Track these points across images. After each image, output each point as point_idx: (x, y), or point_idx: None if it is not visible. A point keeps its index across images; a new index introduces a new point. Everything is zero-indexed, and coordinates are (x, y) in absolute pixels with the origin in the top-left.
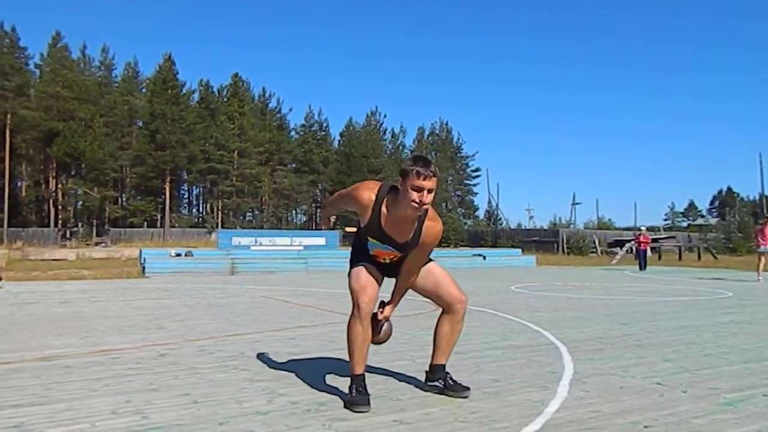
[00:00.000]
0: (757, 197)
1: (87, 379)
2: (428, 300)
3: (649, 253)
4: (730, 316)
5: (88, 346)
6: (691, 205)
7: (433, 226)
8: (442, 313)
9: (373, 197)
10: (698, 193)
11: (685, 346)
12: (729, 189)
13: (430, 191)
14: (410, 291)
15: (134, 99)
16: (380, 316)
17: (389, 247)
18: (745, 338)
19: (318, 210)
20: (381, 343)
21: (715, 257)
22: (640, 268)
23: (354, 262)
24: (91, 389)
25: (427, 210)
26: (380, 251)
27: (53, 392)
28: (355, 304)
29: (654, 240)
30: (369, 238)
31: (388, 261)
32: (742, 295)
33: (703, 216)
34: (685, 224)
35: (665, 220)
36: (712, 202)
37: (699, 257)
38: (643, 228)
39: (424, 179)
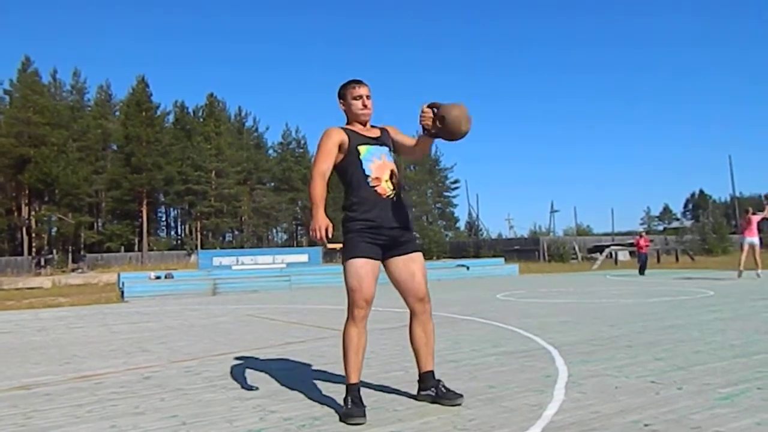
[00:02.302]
0: (729, 198)
1: (69, 405)
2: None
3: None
4: (714, 314)
5: (69, 373)
6: (666, 209)
7: (385, 125)
8: (410, 318)
9: (338, 129)
10: (672, 196)
11: (675, 345)
12: (701, 192)
13: (368, 97)
14: (400, 302)
15: (108, 122)
16: (425, 108)
17: (379, 149)
18: (732, 334)
19: (299, 228)
20: (462, 129)
21: (693, 258)
22: (641, 272)
23: (350, 247)
24: (74, 416)
25: (371, 114)
26: (376, 164)
27: (34, 420)
28: (352, 304)
29: (632, 244)
30: (360, 151)
31: (391, 189)
32: (722, 293)
33: (678, 219)
34: (661, 228)
35: (642, 224)
36: (686, 205)
37: (677, 259)
38: (641, 231)
39: (359, 86)
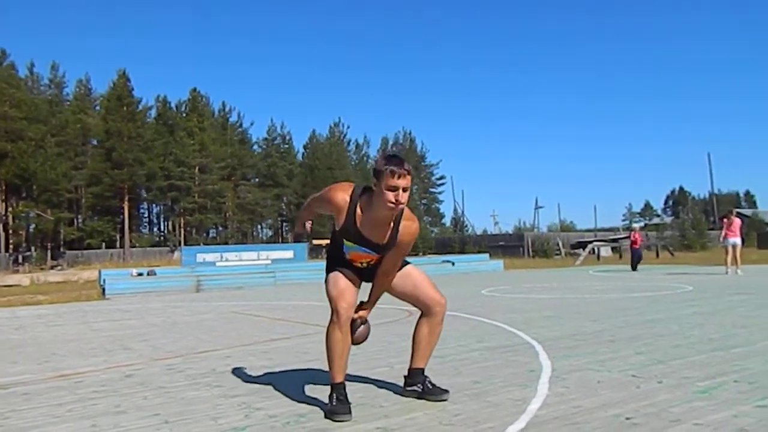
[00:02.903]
0: (707, 195)
1: (48, 405)
2: (403, 307)
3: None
4: (693, 309)
5: (48, 372)
6: (647, 206)
7: (409, 225)
8: (421, 316)
9: (347, 198)
10: (653, 193)
11: (655, 339)
12: (681, 188)
13: (405, 190)
14: (388, 296)
15: (87, 117)
16: (355, 316)
17: (366, 250)
18: (710, 328)
19: (284, 224)
20: (357, 343)
21: (672, 254)
22: (633, 268)
23: (330, 267)
24: (53, 415)
25: (403, 209)
26: (357, 254)
27: (12, 421)
28: (334, 311)
29: (614, 240)
30: (345, 241)
31: (365, 265)
32: (701, 288)
33: (658, 215)
34: (642, 224)
35: (623, 220)
36: (666, 202)
37: (657, 255)
38: (636, 226)
39: (399, 178)
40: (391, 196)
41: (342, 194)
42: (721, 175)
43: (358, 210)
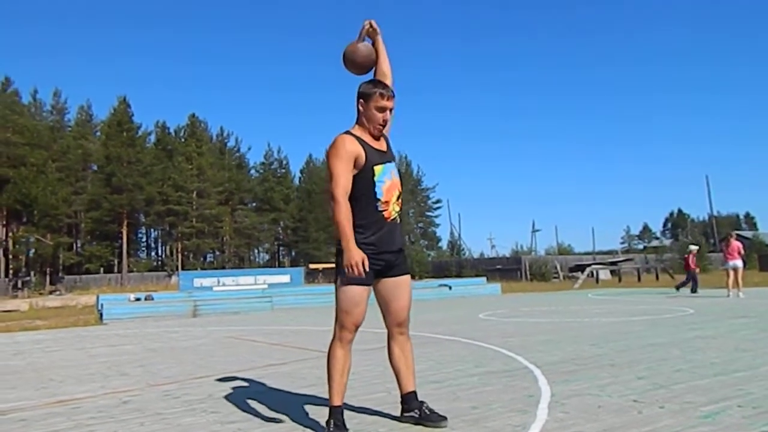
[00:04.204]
0: (707, 217)
1: (45, 431)
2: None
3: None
4: (694, 332)
5: (45, 398)
6: (646, 228)
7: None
8: (388, 338)
9: (353, 138)
10: (652, 215)
11: (657, 363)
12: (680, 211)
13: (391, 110)
14: (380, 322)
15: (88, 142)
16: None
17: (389, 165)
18: (712, 352)
19: (281, 248)
20: (353, 51)
21: (673, 277)
22: (693, 291)
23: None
24: None
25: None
26: (388, 182)
27: None
28: (340, 326)
29: (612, 263)
30: (375, 171)
31: (395, 208)
32: (702, 311)
33: (657, 238)
34: (641, 246)
35: (622, 243)
36: (665, 224)
37: (657, 277)
38: (693, 248)
39: (387, 99)
40: (380, 118)
41: (348, 139)
42: (721, 197)
43: (363, 137)
